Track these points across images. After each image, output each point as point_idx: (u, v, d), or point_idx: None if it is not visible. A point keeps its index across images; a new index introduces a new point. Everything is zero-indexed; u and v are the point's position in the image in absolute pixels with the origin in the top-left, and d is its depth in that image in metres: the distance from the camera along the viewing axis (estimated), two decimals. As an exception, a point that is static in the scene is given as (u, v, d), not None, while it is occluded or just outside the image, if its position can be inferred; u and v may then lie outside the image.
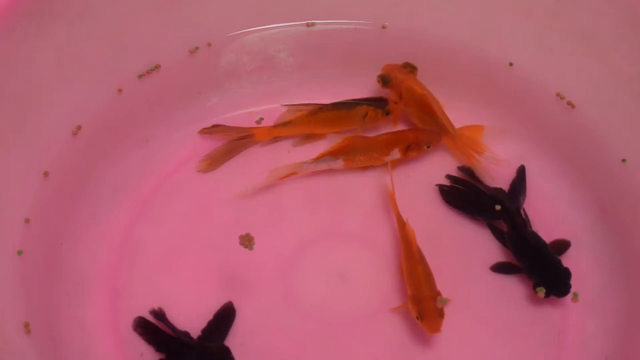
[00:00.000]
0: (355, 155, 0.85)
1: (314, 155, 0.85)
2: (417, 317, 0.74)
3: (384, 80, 0.88)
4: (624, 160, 0.83)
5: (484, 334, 0.77)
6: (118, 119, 0.86)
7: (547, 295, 0.77)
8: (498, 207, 0.82)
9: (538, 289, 0.77)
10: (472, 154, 0.86)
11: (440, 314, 0.74)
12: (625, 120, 0.84)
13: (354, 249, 0.82)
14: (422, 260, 0.78)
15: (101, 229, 0.82)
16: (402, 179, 0.86)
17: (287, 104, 0.88)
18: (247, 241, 0.82)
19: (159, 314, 0.77)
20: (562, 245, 0.81)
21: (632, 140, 0.83)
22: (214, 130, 0.88)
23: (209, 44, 0.90)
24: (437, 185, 0.85)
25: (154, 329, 0.76)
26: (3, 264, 0.73)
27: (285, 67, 0.92)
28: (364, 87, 0.91)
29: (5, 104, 0.78)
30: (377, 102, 0.88)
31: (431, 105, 0.86)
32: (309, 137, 0.89)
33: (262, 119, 0.88)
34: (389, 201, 0.83)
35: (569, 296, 0.77)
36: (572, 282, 0.77)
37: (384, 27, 0.91)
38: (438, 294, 0.75)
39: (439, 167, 0.87)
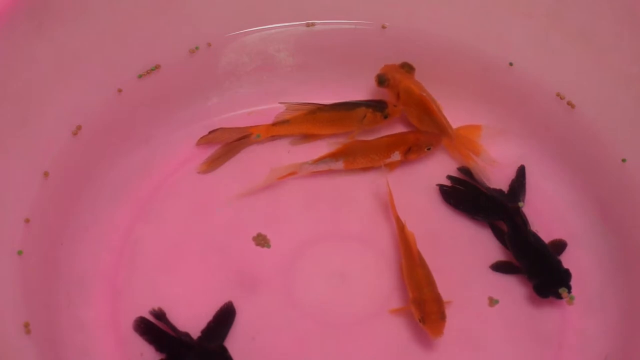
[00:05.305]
0: (355, 157, 0.85)
1: (314, 155, 0.85)
2: (419, 320, 0.74)
3: (381, 79, 0.88)
4: (624, 160, 0.83)
5: (484, 333, 0.77)
6: (118, 119, 0.86)
7: (546, 296, 0.77)
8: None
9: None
10: (469, 154, 0.86)
11: (443, 317, 0.74)
12: (625, 120, 0.84)
13: (354, 250, 0.82)
14: (422, 262, 0.78)
15: (101, 229, 0.82)
16: (403, 179, 0.86)
17: (285, 101, 0.88)
18: (262, 241, 0.82)
19: (159, 314, 0.77)
20: (559, 246, 0.81)
21: (632, 140, 0.83)
22: (211, 137, 0.87)
23: (209, 44, 0.90)
24: (437, 185, 0.85)
25: (154, 329, 0.76)
26: (3, 264, 0.73)
27: (285, 67, 0.92)
28: (364, 87, 0.91)
29: (5, 104, 0.78)
30: (376, 105, 0.88)
31: (429, 105, 0.86)
32: (307, 137, 0.89)
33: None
34: (389, 204, 0.83)
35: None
36: (572, 282, 0.77)
37: (384, 27, 0.91)
38: (439, 296, 0.75)
39: (439, 167, 0.87)
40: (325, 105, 0.88)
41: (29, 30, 0.79)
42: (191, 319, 0.76)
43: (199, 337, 0.75)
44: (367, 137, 0.87)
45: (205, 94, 0.91)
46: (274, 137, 0.89)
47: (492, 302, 0.79)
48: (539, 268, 0.78)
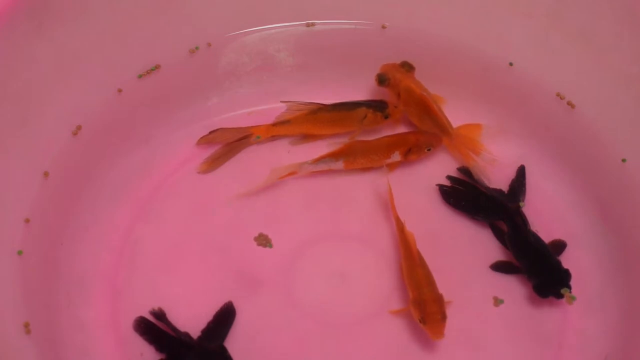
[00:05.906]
0: (356, 157, 0.85)
1: (314, 155, 0.85)
2: (419, 321, 0.74)
3: (381, 79, 0.88)
4: (624, 160, 0.83)
5: (484, 333, 0.77)
6: (118, 119, 0.86)
7: (546, 296, 0.77)
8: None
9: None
10: (470, 153, 0.86)
11: (443, 317, 0.74)
12: (625, 120, 0.84)
13: (354, 250, 0.82)
14: (422, 263, 0.78)
15: (101, 229, 0.82)
16: (403, 179, 0.86)
17: (286, 100, 0.88)
18: (264, 241, 0.82)
19: (159, 314, 0.77)
20: (559, 246, 0.81)
21: (632, 140, 0.83)
22: (211, 137, 0.87)
23: (209, 44, 0.90)
24: (437, 185, 0.85)
25: (154, 329, 0.76)
26: (3, 264, 0.73)
27: (285, 67, 0.92)
28: (364, 87, 0.91)
29: (5, 104, 0.78)
30: (376, 105, 0.88)
31: (429, 105, 0.86)
32: (307, 137, 0.89)
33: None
34: (389, 204, 0.83)
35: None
36: (572, 282, 0.78)
37: (384, 27, 0.91)
38: (440, 296, 0.75)
39: (439, 167, 0.87)
40: (326, 105, 0.88)
41: (29, 30, 0.79)
42: (191, 319, 0.76)
43: (199, 337, 0.75)
44: (367, 138, 0.87)
45: (205, 94, 0.91)
46: (274, 137, 0.89)
47: (497, 302, 0.79)
48: (539, 268, 0.78)
